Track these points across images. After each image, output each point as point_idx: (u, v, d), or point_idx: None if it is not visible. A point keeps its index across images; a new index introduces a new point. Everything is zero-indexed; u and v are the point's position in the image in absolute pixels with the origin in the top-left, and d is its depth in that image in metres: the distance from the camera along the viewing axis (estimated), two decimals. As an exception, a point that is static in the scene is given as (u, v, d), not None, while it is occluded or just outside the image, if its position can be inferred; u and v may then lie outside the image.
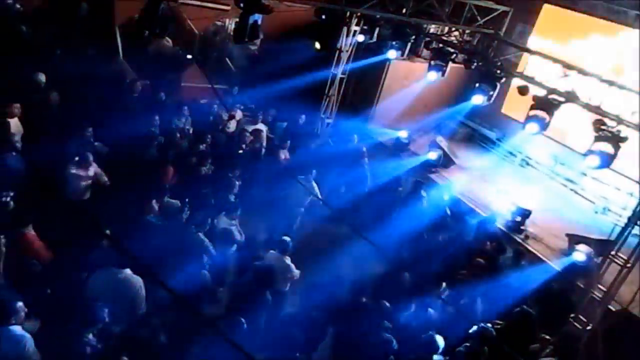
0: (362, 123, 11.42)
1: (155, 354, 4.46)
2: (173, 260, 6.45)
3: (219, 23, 13.34)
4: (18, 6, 9.60)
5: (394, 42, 10.01)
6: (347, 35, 10.22)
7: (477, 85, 8.77)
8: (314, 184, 8.45)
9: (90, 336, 4.27)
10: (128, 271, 5.19)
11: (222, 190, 7.45)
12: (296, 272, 6.32)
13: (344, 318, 5.70)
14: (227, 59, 12.67)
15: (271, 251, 6.41)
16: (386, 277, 6.58)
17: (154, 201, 6.52)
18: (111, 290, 5.08)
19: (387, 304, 5.57)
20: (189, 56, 11.60)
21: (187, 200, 6.75)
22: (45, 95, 8.04)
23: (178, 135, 8.45)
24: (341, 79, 10.88)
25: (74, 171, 6.79)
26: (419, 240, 8.31)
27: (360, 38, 10.24)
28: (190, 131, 8.97)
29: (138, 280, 5.23)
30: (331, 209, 8.94)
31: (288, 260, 6.30)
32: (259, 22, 5.95)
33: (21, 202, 5.77)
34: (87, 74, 9.02)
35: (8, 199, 5.69)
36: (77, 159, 6.92)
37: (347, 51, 10.53)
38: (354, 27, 10.10)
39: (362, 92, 11.50)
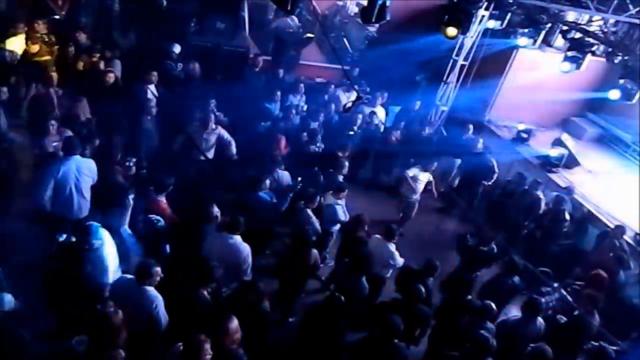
0: (480, 113, 10.88)
1: (259, 318, 4.64)
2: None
3: (340, 3, 13.38)
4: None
5: (525, 30, 9.33)
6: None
7: (620, 81, 7.90)
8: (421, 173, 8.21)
9: (205, 293, 4.55)
10: (238, 237, 5.44)
11: (331, 168, 7.52)
12: (400, 260, 6.23)
13: (445, 312, 5.53)
14: (345, 40, 12.71)
15: (376, 235, 6.37)
16: (495, 278, 6.23)
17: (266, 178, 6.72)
18: (221, 254, 5.37)
19: (493, 306, 5.29)
20: (310, 35, 11.80)
21: (299, 178, 6.90)
22: (179, 65, 8.64)
23: (293, 111, 8.64)
24: (462, 66, 10.40)
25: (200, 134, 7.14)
26: (533, 244, 7.80)
27: (491, 24, 9.65)
28: (304, 108, 9.14)
29: (246, 247, 5.47)
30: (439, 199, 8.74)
31: (393, 247, 6.21)
32: (388, 3, 5.81)
33: (157, 167, 6.27)
34: (214, 47, 9.57)
35: (131, 164, 6.23)
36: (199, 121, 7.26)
37: (471, 37, 10.00)
38: (482, 12, 9.54)
39: (483, 80, 10.89)
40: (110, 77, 7.52)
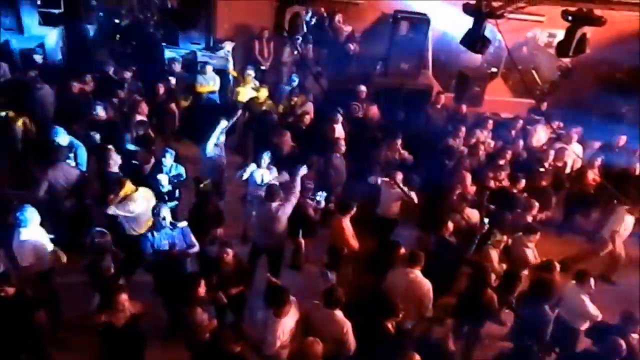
0: None
1: (443, 358, 4.58)
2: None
3: (529, 34, 12.77)
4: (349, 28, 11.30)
5: None
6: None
7: None
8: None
9: (390, 326, 4.67)
10: (418, 272, 5.48)
11: (519, 208, 7.11)
12: (596, 313, 5.61)
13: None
14: (533, 72, 12.05)
15: (571, 282, 5.83)
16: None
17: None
18: (402, 288, 5.46)
19: None
20: (494, 69, 11.50)
21: (486, 219, 6.68)
22: (363, 105, 9.18)
23: (481, 147, 8.43)
24: (681, 94, 9.01)
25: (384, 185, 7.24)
26: None
27: None
28: (491, 145, 8.84)
29: (427, 283, 5.46)
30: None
31: (587, 298, 5.63)
32: (588, 35, 5.41)
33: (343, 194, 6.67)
34: (398, 87, 9.93)
35: (321, 198, 6.68)
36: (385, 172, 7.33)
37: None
38: None
39: None
40: (307, 119, 8.35)
